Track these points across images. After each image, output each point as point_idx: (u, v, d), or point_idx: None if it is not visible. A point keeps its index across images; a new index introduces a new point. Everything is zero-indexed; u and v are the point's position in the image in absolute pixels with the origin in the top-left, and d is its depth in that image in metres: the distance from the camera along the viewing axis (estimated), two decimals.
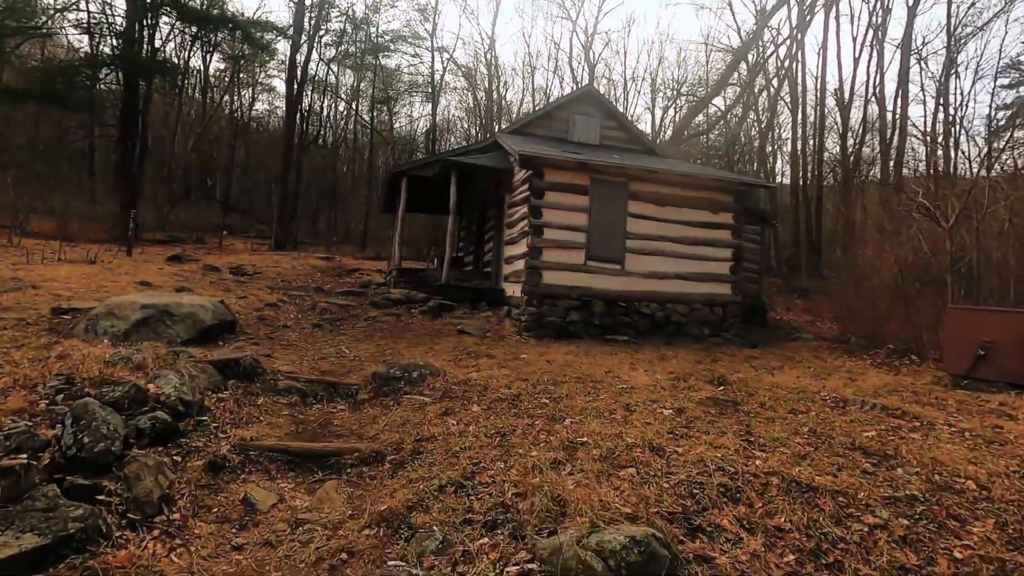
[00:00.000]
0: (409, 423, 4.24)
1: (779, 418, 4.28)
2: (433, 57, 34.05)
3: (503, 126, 31.80)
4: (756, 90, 28.94)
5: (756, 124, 30.34)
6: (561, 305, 9.41)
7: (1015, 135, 21.17)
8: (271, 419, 4.40)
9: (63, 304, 6.62)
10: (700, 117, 29.93)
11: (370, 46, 33.13)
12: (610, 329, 9.56)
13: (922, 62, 24.92)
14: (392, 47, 33.80)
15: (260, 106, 38.49)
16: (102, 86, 27.11)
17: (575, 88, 32.73)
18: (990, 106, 23.57)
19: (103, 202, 21.82)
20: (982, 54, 48.81)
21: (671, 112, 33.64)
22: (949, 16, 23.32)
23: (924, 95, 26.48)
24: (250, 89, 35.66)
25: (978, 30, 25.10)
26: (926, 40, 32.51)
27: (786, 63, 27.47)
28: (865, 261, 11.83)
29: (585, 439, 3.54)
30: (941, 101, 23.89)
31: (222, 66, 32.89)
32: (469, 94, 35.56)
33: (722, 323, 10.34)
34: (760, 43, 27.91)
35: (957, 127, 22.88)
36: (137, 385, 3.68)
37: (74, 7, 23.84)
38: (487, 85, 34.53)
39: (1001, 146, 20.76)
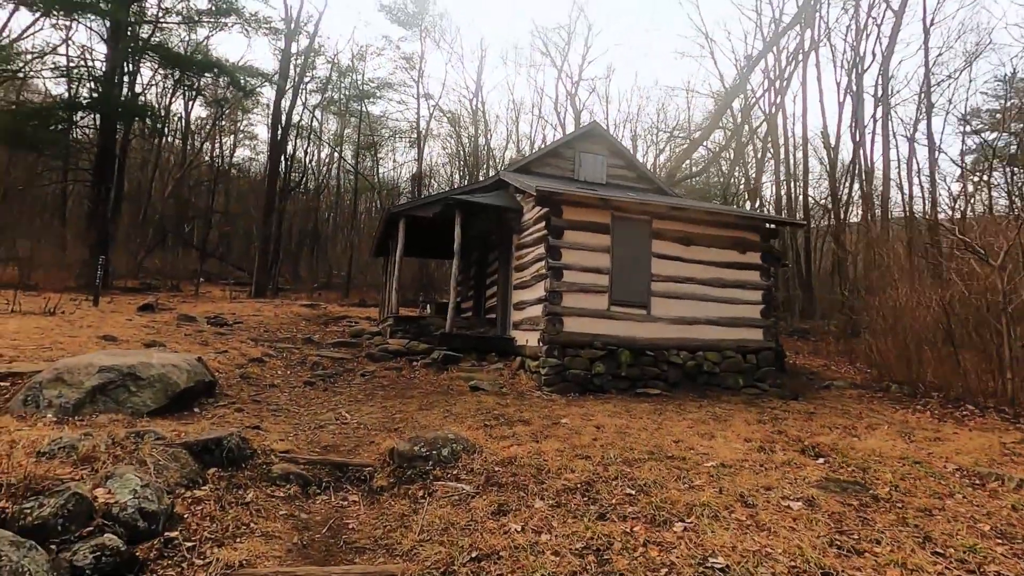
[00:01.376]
0: (454, 527, 3.17)
1: (934, 509, 3.31)
2: (419, 103, 34.00)
3: (489, 172, 31.42)
4: (743, 136, 29.20)
5: (742, 168, 30.54)
6: (584, 355, 8.43)
7: (982, 178, 21.45)
8: (266, 524, 3.29)
9: (2, 367, 5.42)
10: (686, 161, 30.02)
11: (355, 93, 32.97)
12: (638, 381, 8.58)
13: (893, 109, 25.44)
14: (378, 94, 33.73)
15: (242, 152, 37.92)
16: (78, 130, 26.18)
17: (562, 133, 32.86)
18: (961, 151, 23.93)
19: (73, 249, 20.45)
20: (951, 101, 50.73)
21: (651, 156, 33.86)
22: (927, 65, 23.94)
23: (896, 141, 27.02)
24: (232, 135, 35.06)
25: (952, 79, 25.87)
26: (896, 89, 33.44)
27: (768, 110, 27.84)
28: (892, 302, 11.12)
29: (720, 560, 2.52)
30: (916, 144, 24.30)
31: (204, 113, 32.28)
32: (453, 140, 35.41)
33: (756, 372, 9.43)
34: (746, 90, 28.34)
35: (931, 169, 23.11)
36: (79, 494, 2.58)
37: (52, 52, 23.12)
38: (472, 131, 34.43)
39: (972, 189, 20.98)
